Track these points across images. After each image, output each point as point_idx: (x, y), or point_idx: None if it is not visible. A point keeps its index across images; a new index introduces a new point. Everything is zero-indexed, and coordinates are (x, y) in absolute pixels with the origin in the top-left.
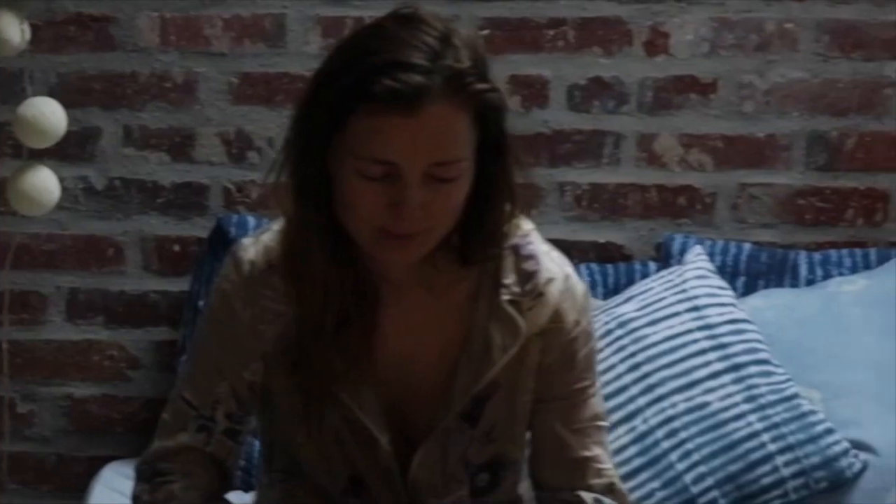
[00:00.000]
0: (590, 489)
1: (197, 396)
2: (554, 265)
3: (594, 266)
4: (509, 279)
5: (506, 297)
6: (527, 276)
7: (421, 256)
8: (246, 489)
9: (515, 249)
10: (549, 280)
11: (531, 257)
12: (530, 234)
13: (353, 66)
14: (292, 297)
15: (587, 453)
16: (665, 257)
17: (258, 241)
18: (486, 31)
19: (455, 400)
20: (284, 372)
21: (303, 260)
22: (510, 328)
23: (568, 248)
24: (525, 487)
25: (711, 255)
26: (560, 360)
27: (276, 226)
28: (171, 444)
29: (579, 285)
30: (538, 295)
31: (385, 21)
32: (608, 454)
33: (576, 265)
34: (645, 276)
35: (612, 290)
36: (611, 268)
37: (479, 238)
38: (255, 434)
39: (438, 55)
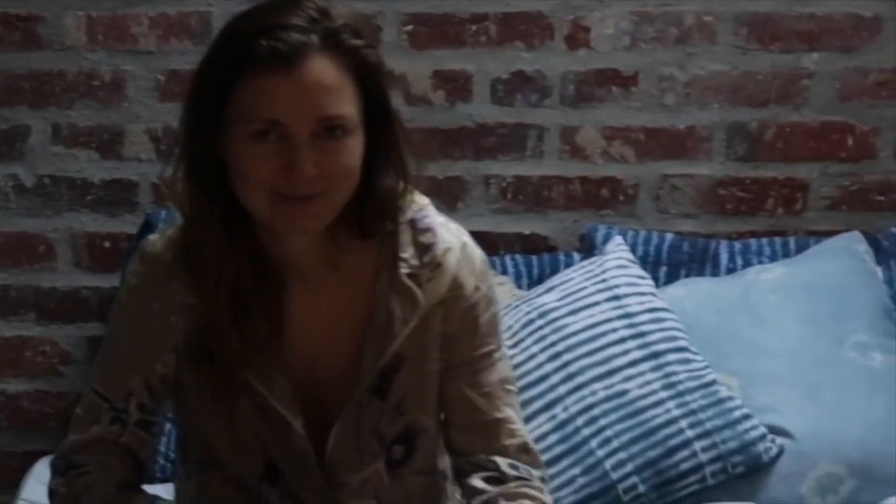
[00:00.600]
0: (504, 450)
1: (109, 389)
2: (451, 235)
3: (519, 258)
4: (407, 253)
5: (404, 271)
6: (424, 249)
7: (322, 224)
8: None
9: (412, 224)
10: (447, 250)
11: (428, 230)
12: (426, 209)
13: (232, 39)
14: (194, 289)
15: (498, 415)
16: (589, 248)
17: (164, 235)
18: (409, 27)
19: (363, 375)
20: (194, 363)
21: (199, 250)
22: (409, 301)
23: (494, 240)
24: (447, 463)
25: (634, 246)
26: (462, 326)
27: (180, 223)
28: (84, 436)
29: (477, 253)
30: (436, 265)
31: (261, 1)
32: (519, 416)
33: (501, 257)
34: (569, 266)
35: (536, 281)
36: (535, 259)
37: (373, 208)
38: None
39: (316, 20)
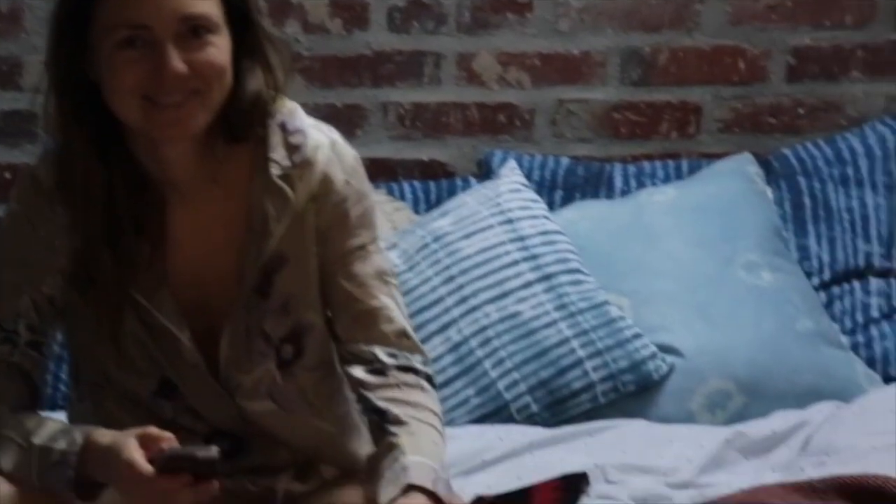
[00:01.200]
0: (383, 338)
1: None
2: (320, 134)
3: (417, 183)
4: (278, 154)
5: (275, 172)
6: (295, 149)
7: (197, 127)
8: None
9: (282, 126)
10: (316, 148)
11: (297, 131)
12: (296, 111)
13: None
14: (70, 210)
15: (375, 303)
16: (486, 173)
17: (46, 161)
18: None
19: (245, 276)
20: (78, 285)
21: (70, 172)
22: (281, 200)
23: (392, 166)
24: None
25: (530, 170)
26: (333, 220)
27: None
28: None
29: (347, 150)
30: (307, 164)
31: None
32: (399, 307)
33: (400, 183)
34: (466, 191)
35: (434, 206)
36: (433, 185)
37: (243, 112)
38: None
39: None
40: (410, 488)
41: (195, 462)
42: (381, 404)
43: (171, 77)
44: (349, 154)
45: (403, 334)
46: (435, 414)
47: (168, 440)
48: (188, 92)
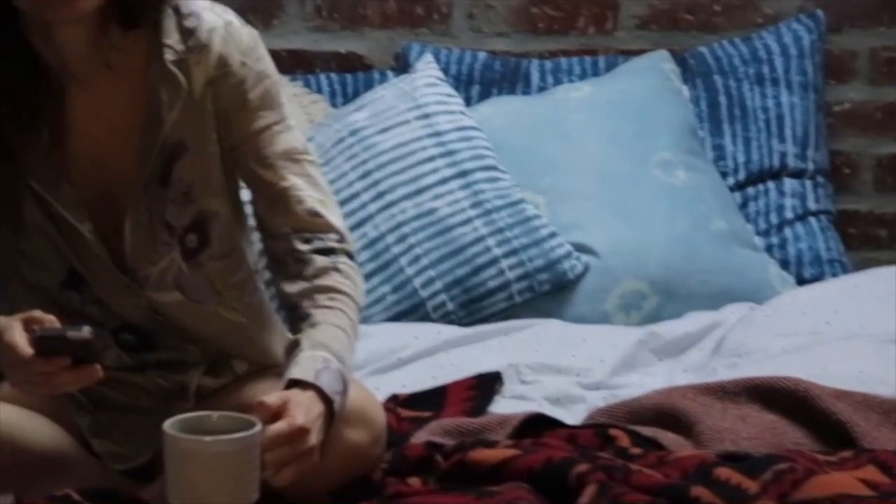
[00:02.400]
0: (297, 219)
1: None
2: (214, 16)
3: (334, 76)
4: (171, 39)
5: (169, 57)
6: (188, 33)
7: (88, 8)
8: None
9: (176, 10)
10: (211, 30)
11: (191, 14)
12: None
13: None
14: None
15: (284, 184)
16: (403, 67)
17: None
18: None
19: (143, 165)
20: None
21: None
22: (174, 86)
23: (310, 58)
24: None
25: (447, 65)
26: (233, 102)
27: None
28: None
29: (244, 30)
30: (202, 47)
31: None
32: (312, 185)
33: (317, 75)
34: (382, 84)
35: (351, 100)
36: (350, 78)
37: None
38: None
39: None
40: (293, 384)
41: (68, 343)
42: (293, 300)
43: None
44: (245, 34)
45: (314, 213)
46: (346, 294)
47: (49, 322)
48: None
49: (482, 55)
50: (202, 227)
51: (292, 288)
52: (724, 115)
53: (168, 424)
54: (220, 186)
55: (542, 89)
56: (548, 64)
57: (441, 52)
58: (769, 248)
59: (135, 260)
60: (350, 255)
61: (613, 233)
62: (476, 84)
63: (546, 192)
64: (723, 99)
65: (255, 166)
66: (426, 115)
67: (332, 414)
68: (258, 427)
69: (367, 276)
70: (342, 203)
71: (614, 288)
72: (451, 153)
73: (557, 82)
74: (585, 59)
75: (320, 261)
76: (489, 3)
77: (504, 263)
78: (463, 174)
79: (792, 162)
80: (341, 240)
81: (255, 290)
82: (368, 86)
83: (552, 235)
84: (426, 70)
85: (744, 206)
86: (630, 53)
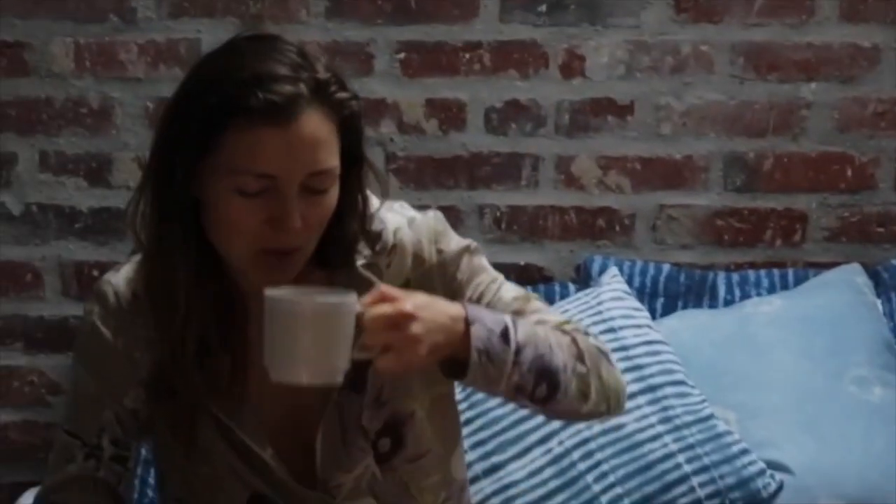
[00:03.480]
0: None
1: (80, 428)
2: (395, 215)
3: None
4: (359, 245)
5: (360, 262)
6: (375, 237)
7: (295, 274)
8: None
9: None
10: (397, 229)
11: (372, 217)
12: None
13: (218, 84)
14: (154, 325)
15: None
16: (585, 279)
17: (118, 273)
18: (401, 55)
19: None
20: (157, 399)
21: (166, 290)
22: (368, 290)
23: None
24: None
25: (631, 277)
26: (448, 291)
27: (136, 257)
28: (61, 476)
29: (426, 219)
30: (392, 248)
31: (238, 41)
32: (550, 312)
33: None
34: (565, 297)
35: None
36: (530, 290)
37: (341, 249)
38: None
39: (301, 66)
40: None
41: None
42: None
43: (291, 232)
44: (429, 222)
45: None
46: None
47: None
48: (299, 244)
49: (666, 267)
50: (395, 429)
51: None
52: None
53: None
54: (414, 385)
55: (729, 302)
56: (735, 276)
57: (624, 264)
58: None
59: (328, 472)
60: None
61: (808, 450)
62: (660, 296)
63: (737, 408)
64: None
65: None
66: (612, 329)
67: (468, 334)
68: (351, 296)
69: (552, 493)
70: (526, 418)
71: None
72: (638, 367)
73: (745, 295)
74: (774, 272)
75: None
76: (672, 214)
77: (695, 481)
78: (651, 389)
79: None
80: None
81: (456, 494)
82: (549, 298)
83: (744, 452)
84: (611, 283)
85: None
86: (819, 266)
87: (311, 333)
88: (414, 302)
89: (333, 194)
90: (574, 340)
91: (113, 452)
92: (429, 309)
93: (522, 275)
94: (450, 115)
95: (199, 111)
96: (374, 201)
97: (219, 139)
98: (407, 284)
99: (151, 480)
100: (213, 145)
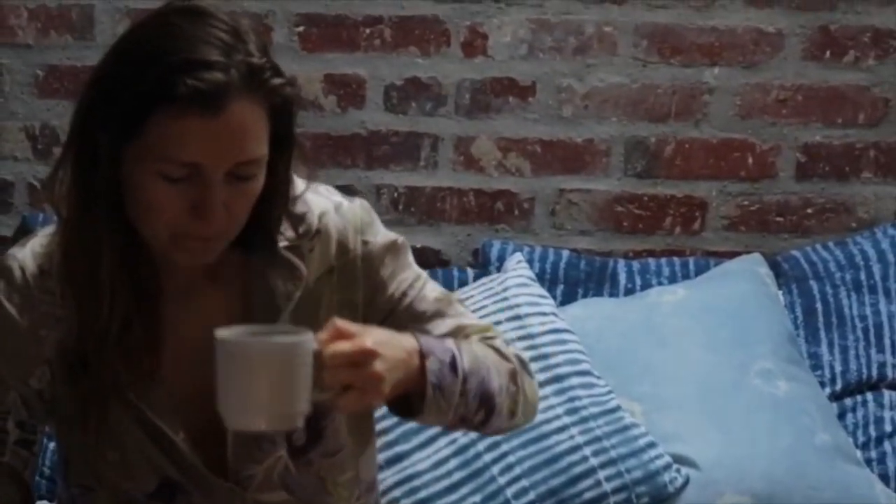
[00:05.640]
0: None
1: None
2: (321, 199)
3: None
4: (282, 226)
5: (283, 244)
6: (299, 219)
7: (215, 256)
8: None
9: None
10: (322, 214)
11: (296, 199)
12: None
13: (147, 68)
14: (71, 302)
15: (443, 330)
16: (483, 263)
17: (24, 248)
18: (300, 28)
19: None
20: (66, 379)
21: (87, 264)
22: (291, 274)
23: None
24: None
25: (530, 262)
26: (369, 284)
27: (46, 230)
28: None
29: (354, 207)
30: (316, 232)
31: (169, 16)
32: (471, 320)
33: None
34: (463, 282)
35: None
36: (428, 274)
37: (264, 232)
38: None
39: (232, 49)
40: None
41: None
42: None
43: (213, 221)
44: (356, 211)
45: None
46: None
47: None
48: (221, 231)
49: (566, 253)
50: (314, 422)
51: None
52: (821, 322)
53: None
54: None
55: (630, 291)
56: (635, 264)
57: (523, 249)
58: (868, 462)
59: (238, 462)
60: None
61: (714, 444)
62: (560, 283)
63: (642, 400)
64: (819, 305)
65: (414, 325)
66: (518, 317)
67: (424, 369)
68: (307, 335)
69: (457, 485)
70: None
71: (716, 501)
72: (544, 357)
73: (646, 284)
74: (675, 261)
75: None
76: (572, 199)
77: (601, 474)
78: (557, 379)
79: (891, 372)
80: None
81: (362, 497)
82: (447, 283)
83: (651, 445)
84: (517, 269)
85: (841, 417)
86: (718, 255)
87: (266, 377)
88: (374, 338)
89: (259, 181)
90: (505, 357)
91: (18, 436)
92: (389, 345)
93: (419, 258)
94: (348, 91)
95: (125, 94)
96: (299, 183)
97: (144, 125)
98: (331, 272)
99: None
100: (138, 130)
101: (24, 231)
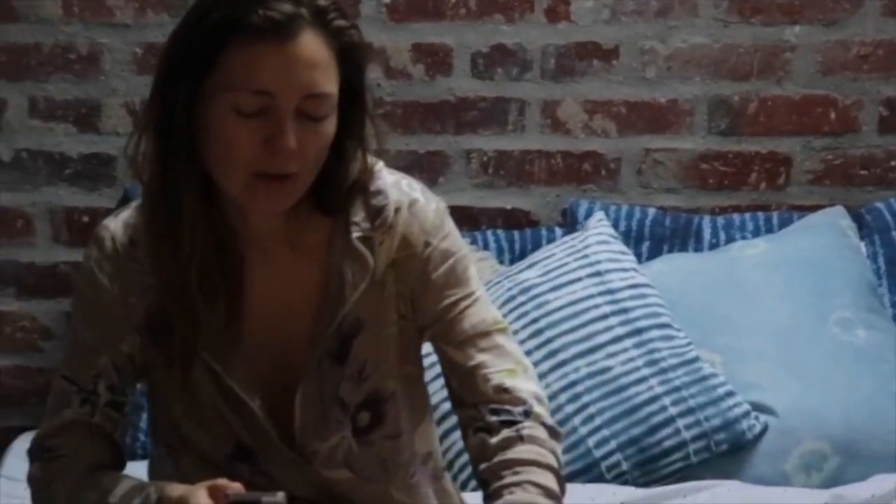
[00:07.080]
0: (485, 397)
1: (76, 373)
2: (400, 194)
3: (501, 233)
4: (358, 217)
5: (356, 235)
6: (377, 212)
7: (290, 205)
8: None
9: (364, 187)
10: (398, 209)
11: (379, 192)
12: (379, 170)
13: (220, 4)
14: (154, 262)
15: (471, 363)
16: (571, 223)
17: (117, 218)
18: (388, 0)
19: (319, 341)
20: (154, 342)
21: (171, 223)
22: (360, 264)
23: (475, 214)
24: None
25: (616, 221)
26: (419, 284)
27: (135, 203)
28: (57, 422)
29: (429, 208)
30: (389, 227)
31: None
32: (500, 356)
33: (483, 232)
34: (551, 241)
35: (518, 256)
36: (517, 234)
37: (337, 186)
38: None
39: None
40: None
41: None
42: (482, 476)
43: (285, 151)
44: (431, 211)
45: (502, 389)
46: (531, 463)
47: (235, 489)
48: (292, 170)
49: (651, 211)
50: (375, 406)
51: (481, 464)
52: None
53: None
54: (394, 366)
55: (714, 246)
56: (720, 220)
57: (609, 208)
58: None
59: (305, 436)
60: (539, 419)
61: (793, 392)
62: (646, 240)
63: (722, 351)
64: None
65: (445, 346)
66: (598, 273)
67: None
68: None
69: None
70: None
71: (794, 448)
72: (624, 311)
73: (730, 239)
74: (758, 215)
75: (505, 433)
76: (657, 158)
77: (680, 423)
78: (637, 332)
79: None
80: (528, 411)
81: (416, 472)
82: (535, 242)
83: (729, 394)
84: (597, 227)
85: None
86: (803, 209)
87: None
88: None
89: (330, 124)
90: (543, 491)
91: (109, 398)
92: None
93: (509, 219)
94: (436, 59)
95: (201, 30)
96: (387, 175)
97: (219, 56)
98: (393, 265)
99: (143, 425)
100: (214, 63)
101: (125, 202)
